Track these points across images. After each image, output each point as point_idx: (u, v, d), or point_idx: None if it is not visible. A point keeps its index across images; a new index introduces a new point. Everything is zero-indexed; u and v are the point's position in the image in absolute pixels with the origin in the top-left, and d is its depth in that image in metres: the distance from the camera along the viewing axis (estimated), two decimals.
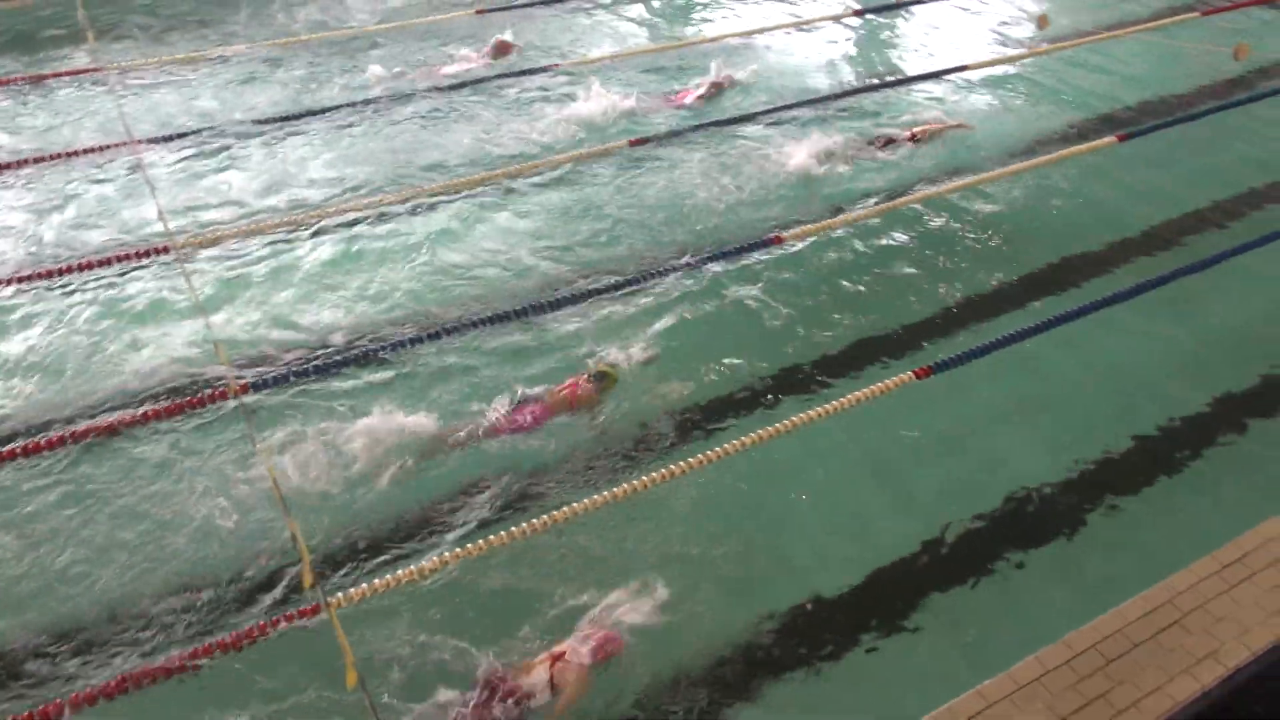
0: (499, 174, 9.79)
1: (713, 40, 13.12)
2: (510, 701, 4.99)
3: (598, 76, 11.69)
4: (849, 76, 12.52)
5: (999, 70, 12.69)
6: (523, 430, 6.78)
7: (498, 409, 6.81)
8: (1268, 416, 7.52)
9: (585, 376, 7.14)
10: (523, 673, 5.14)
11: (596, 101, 11.01)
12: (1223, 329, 8.42)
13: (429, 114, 10.97)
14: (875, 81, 12.24)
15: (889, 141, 10.71)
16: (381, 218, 9.19)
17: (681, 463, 6.42)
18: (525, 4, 13.68)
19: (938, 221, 9.55)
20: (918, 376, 7.36)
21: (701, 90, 11.55)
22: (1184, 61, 13.00)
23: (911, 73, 12.46)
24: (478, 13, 13.30)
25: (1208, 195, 10.29)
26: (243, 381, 6.98)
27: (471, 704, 4.95)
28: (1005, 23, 14.39)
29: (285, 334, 7.69)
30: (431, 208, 9.39)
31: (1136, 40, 13.61)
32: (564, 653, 5.22)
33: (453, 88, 11.43)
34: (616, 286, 8.32)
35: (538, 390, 7.03)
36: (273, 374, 7.16)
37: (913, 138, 10.78)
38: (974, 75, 12.53)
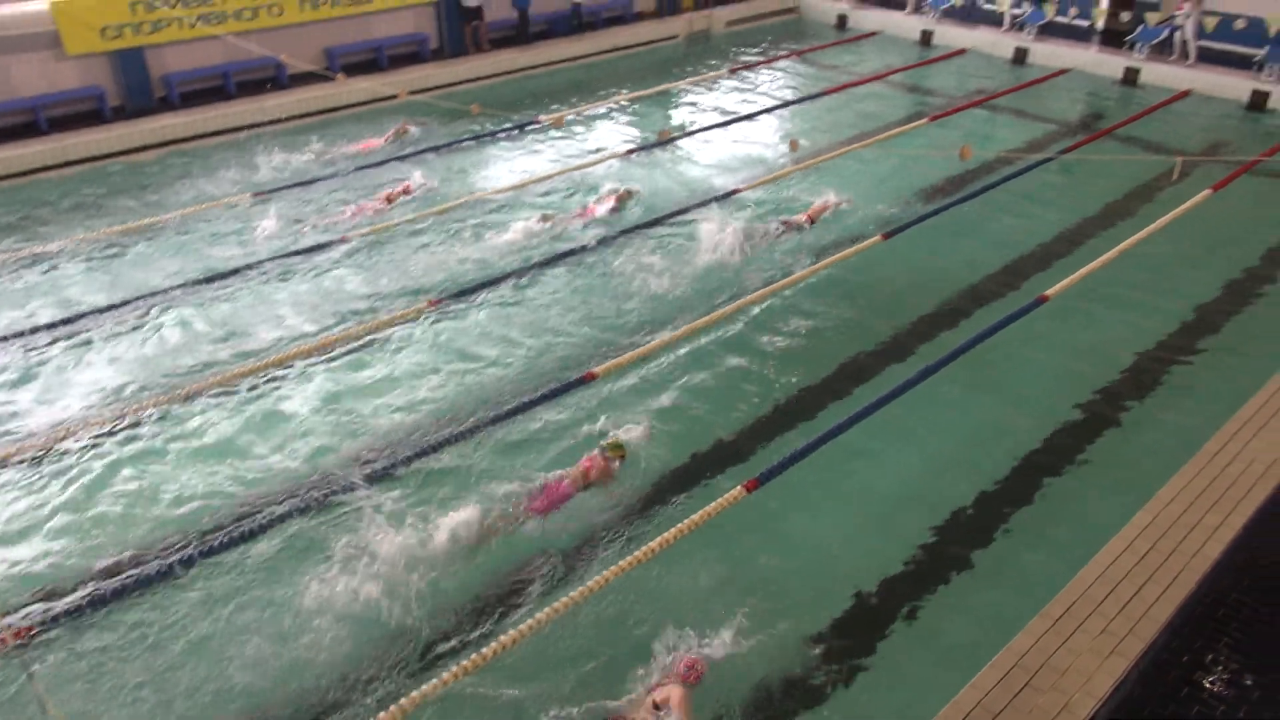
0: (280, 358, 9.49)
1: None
2: None
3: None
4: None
5: (764, 190, 13.66)
6: (553, 508, 7.35)
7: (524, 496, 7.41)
8: (1062, 471, 8.15)
9: (598, 453, 7.74)
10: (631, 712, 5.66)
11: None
12: (1012, 393, 9.14)
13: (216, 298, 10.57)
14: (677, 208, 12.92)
15: (788, 225, 12.22)
16: (162, 418, 8.60)
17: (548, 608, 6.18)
18: (298, 183, 13.62)
19: (731, 341, 9.95)
20: (747, 490, 7.50)
21: (608, 204, 12.86)
22: (922, 163, 14.48)
23: (691, 201, 13.20)
24: (255, 195, 13.10)
25: (967, 277, 11.35)
26: (18, 627, 6.17)
27: None
28: (765, 148, 15.61)
29: (63, 563, 6.93)
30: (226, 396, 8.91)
31: (878, 150, 15.06)
32: (660, 690, 5.73)
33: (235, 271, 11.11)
34: (429, 449, 8.14)
35: (559, 472, 7.63)
36: (54, 610, 6.40)
37: (810, 220, 12.40)
38: (747, 195, 13.42)
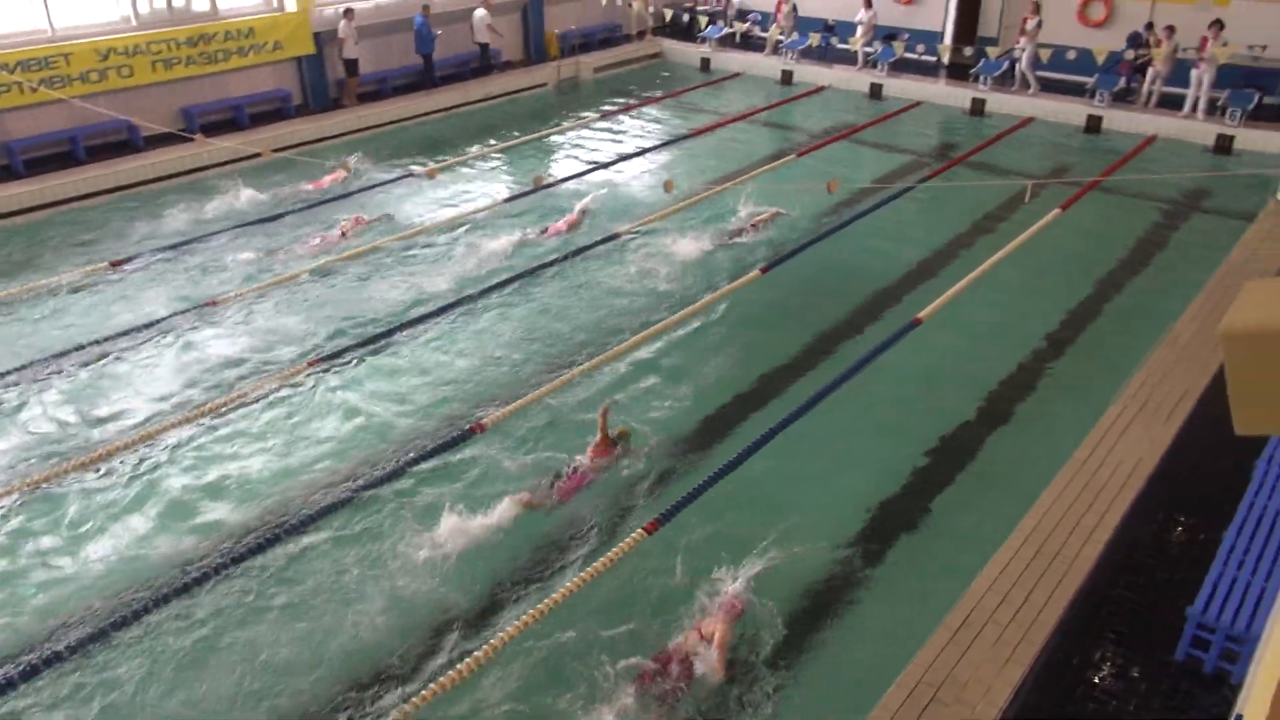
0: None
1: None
2: (678, 667, 6.15)
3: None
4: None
5: (643, 231, 13.82)
6: (578, 490, 8.04)
7: (551, 481, 8.10)
8: (946, 486, 8.42)
9: (608, 439, 8.41)
10: (681, 644, 6.32)
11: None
12: (892, 416, 9.40)
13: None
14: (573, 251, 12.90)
15: (738, 232, 13.59)
16: (22, 504, 8.01)
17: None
18: (160, 248, 13.05)
19: (615, 381, 9.96)
20: (647, 532, 7.46)
21: (567, 223, 13.89)
22: (793, 197, 14.89)
23: (570, 246, 13.24)
24: (112, 265, 12.45)
25: (844, 304, 11.70)
26: None
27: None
28: (641, 189, 15.83)
29: None
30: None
31: (751, 186, 15.42)
32: (705, 623, 6.41)
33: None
34: (326, 510, 7.81)
35: (577, 459, 8.32)
36: None
37: (754, 226, 13.74)
38: (627, 237, 13.56)
